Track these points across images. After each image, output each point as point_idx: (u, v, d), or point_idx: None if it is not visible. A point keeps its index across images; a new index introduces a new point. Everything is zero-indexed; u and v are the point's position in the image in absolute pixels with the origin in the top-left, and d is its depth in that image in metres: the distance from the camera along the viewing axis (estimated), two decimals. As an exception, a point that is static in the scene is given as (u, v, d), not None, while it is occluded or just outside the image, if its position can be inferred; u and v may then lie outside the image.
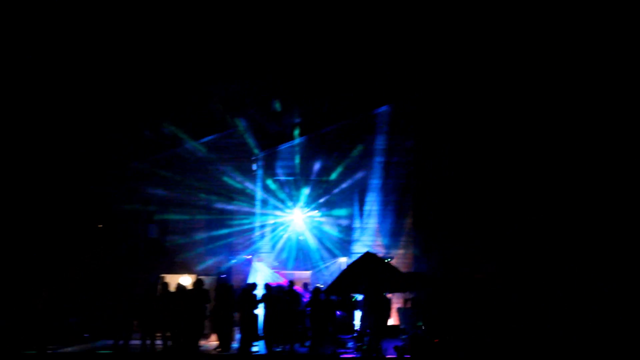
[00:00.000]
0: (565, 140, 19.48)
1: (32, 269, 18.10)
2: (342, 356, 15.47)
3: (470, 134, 19.97)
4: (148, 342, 16.09)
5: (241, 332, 16.08)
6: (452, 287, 17.76)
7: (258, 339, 16.22)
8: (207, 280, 18.17)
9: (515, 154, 19.78)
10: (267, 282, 17.54)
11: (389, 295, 16.19)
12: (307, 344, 16.22)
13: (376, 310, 15.35)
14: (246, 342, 16.02)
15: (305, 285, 17.80)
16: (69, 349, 16.84)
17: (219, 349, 16.41)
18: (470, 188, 20.01)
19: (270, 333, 16.13)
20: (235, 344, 16.83)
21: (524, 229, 19.19)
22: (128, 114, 20.71)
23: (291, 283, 16.97)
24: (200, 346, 16.29)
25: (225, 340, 16.54)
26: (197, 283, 16.70)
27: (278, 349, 16.08)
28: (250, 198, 20.59)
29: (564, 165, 19.47)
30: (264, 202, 20.55)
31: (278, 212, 20.63)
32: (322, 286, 16.84)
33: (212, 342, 17.41)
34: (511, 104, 19.78)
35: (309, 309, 16.09)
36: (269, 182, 20.77)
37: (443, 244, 19.78)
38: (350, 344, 16.27)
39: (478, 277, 18.17)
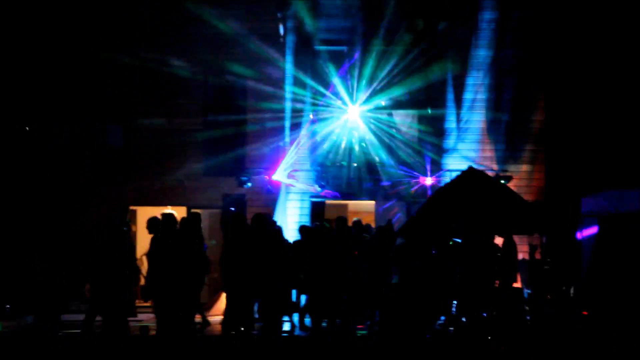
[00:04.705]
0: None
1: None
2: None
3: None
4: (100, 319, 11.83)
5: (259, 302, 12.46)
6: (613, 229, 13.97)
7: (291, 311, 12.88)
8: (205, 215, 14.07)
9: None
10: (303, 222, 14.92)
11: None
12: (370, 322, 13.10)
13: (485, 265, 12.05)
14: (271, 317, 12.33)
15: (358, 224, 13.77)
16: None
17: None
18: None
19: (314, 302, 12.79)
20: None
21: None
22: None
23: (340, 221, 13.02)
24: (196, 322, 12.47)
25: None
26: (190, 220, 12.65)
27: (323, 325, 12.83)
28: (274, 81, 16.24)
29: None
30: (298, 87, 16.33)
31: (320, 104, 16.53)
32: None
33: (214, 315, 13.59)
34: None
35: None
36: (305, 54, 16.43)
37: (597, 157, 15.84)
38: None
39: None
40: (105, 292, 11.62)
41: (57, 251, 14.01)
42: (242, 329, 11.94)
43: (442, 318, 12.74)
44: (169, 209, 15.09)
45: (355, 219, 13.95)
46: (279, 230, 12.80)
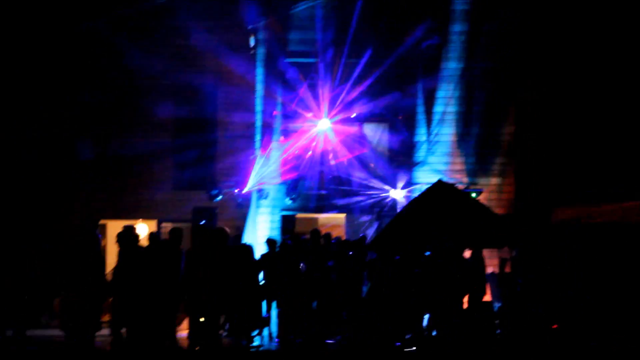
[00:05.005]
0: None
1: None
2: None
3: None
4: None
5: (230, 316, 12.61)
6: (584, 240, 13.70)
7: (262, 325, 12.64)
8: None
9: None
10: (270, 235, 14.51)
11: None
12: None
13: (455, 279, 12.17)
14: (242, 331, 12.34)
15: (328, 237, 13.46)
16: None
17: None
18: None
19: (285, 315, 12.72)
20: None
21: None
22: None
23: (314, 234, 12.97)
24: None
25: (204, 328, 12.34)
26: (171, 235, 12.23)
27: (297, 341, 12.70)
28: (244, 93, 16.19)
29: None
30: (269, 100, 16.31)
31: (291, 116, 16.50)
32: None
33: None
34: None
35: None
36: (276, 66, 16.33)
37: (569, 170, 15.81)
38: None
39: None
40: (73, 306, 11.48)
41: (26, 264, 13.32)
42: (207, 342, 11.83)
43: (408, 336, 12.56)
44: (139, 223, 15.18)
45: (324, 232, 13.65)
46: (247, 246, 12.62)
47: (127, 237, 11.88)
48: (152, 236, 12.13)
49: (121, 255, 11.65)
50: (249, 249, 12.48)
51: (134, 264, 11.73)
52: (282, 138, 16.04)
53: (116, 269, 11.63)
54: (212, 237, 12.90)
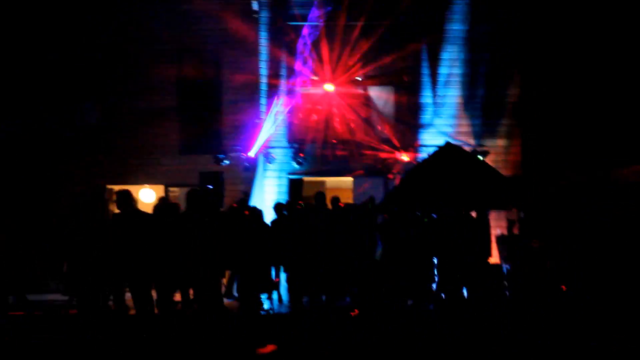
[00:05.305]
0: None
1: None
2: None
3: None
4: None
5: (238, 280, 12.46)
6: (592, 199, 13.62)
7: (271, 288, 12.40)
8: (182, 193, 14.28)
9: None
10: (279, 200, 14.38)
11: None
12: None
13: (461, 239, 11.82)
14: (250, 295, 11.94)
15: (336, 200, 13.15)
16: None
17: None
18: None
19: (294, 279, 12.46)
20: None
21: None
22: None
23: (319, 196, 12.78)
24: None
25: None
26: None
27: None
28: (249, 56, 15.85)
29: None
30: (273, 64, 15.92)
31: (296, 80, 16.01)
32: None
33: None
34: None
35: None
36: (280, 30, 15.98)
37: (576, 130, 15.49)
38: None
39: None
40: (80, 272, 10.98)
41: (32, 231, 13.58)
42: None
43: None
44: (145, 187, 15.21)
45: (333, 196, 13.48)
46: (257, 209, 12.37)
47: (125, 200, 11.30)
48: (161, 200, 11.97)
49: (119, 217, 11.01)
50: (259, 212, 12.29)
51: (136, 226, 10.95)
52: (287, 101, 15.80)
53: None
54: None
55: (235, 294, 12.38)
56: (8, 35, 15.20)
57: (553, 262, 12.87)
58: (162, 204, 11.70)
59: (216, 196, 14.44)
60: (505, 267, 13.11)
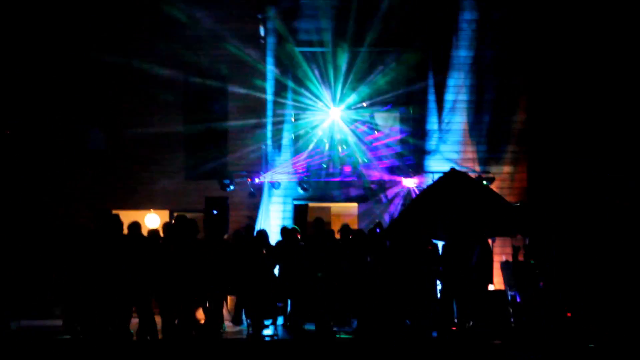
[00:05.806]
0: None
1: None
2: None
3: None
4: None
5: (243, 306, 12.72)
6: (596, 228, 13.58)
7: (273, 314, 12.46)
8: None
9: None
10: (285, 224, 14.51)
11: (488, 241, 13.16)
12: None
13: (466, 266, 12.18)
14: (253, 321, 12.19)
15: (346, 229, 13.34)
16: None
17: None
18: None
19: (298, 305, 12.78)
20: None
21: None
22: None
23: (317, 221, 13.41)
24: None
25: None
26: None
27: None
28: (255, 82, 15.95)
29: None
30: (279, 89, 16.08)
31: (302, 106, 16.14)
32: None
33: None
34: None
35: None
36: (287, 54, 16.07)
37: (581, 158, 15.52)
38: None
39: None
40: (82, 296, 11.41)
41: (36, 256, 13.62)
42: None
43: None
44: (151, 213, 15.24)
45: (343, 224, 13.73)
46: (263, 232, 12.68)
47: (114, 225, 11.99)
48: (166, 226, 12.09)
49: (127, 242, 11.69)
50: (265, 235, 12.56)
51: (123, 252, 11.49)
52: (293, 127, 15.96)
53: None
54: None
55: (245, 318, 12.48)
56: (20, 59, 15.34)
57: (556, 285, 12.70)
58: (180, 221, 11.96)
59: (221, 221, 14.49)
60: (510, 293, 13.06)
